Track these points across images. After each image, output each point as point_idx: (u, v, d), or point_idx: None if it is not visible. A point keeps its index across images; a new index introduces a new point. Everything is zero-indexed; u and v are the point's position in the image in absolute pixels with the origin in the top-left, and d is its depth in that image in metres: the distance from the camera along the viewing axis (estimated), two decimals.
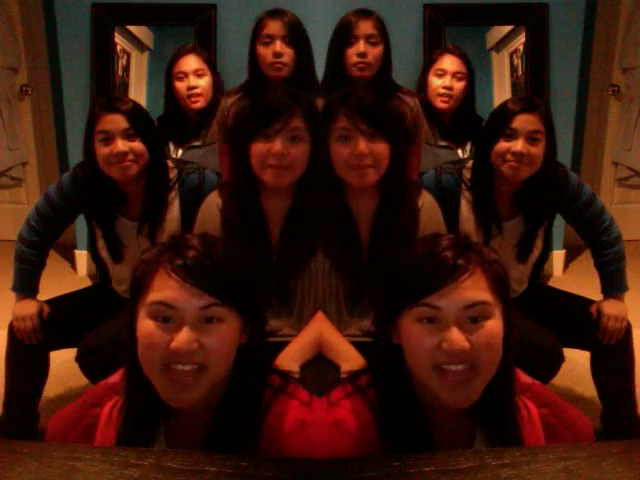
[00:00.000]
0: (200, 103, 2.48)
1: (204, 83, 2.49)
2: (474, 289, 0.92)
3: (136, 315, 0.96)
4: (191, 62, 2.49)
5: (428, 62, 2.58)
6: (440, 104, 2.49)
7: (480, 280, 0.93)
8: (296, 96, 1.59)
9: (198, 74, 2.49)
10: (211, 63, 2.56)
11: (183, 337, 0.91)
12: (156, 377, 0.93)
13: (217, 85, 2.56)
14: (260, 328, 1.05)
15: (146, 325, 0.93)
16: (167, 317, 0.92)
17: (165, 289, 0.93)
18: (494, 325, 0.93)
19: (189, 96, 2.47)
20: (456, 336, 0.90)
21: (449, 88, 2.47)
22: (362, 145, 1.53)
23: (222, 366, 0.95)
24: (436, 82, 2.49)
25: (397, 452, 0.94)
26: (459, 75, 2.50)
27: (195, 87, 2.47)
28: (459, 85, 2.49)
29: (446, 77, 2.48)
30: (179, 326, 0.92)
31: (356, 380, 1.04)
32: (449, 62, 2.50)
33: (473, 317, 0.92)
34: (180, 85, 2.49)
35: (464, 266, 0.93)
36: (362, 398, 1.00)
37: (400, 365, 0.98)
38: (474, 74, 2.59)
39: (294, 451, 0.94)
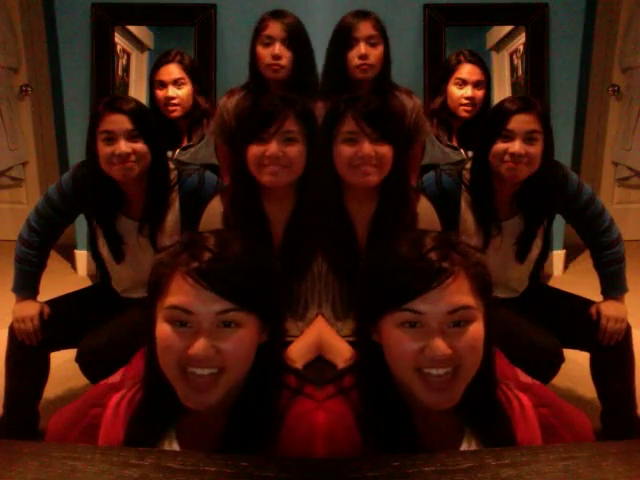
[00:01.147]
0: (177, 112, 2.49)
1: (182, 93, 2.49)
2: (458, 294, 0.91)
3: (154, 316, 0.95)
4: (171, 72, 2.49)
5: (446, 68, 2.55)
6: (463, 113, 2.49)
7: (463, 284, 0.92)
8: (289, 100, 1.61)
9: (178, 84, 2.49)
10: (194, 70, 2.55)
11: (200, 345, 0.90)
12: (174, 379, 0.93)
13: (201, 91, 2.56)
14: (279, 327, 1.04)
15: (164, 329, 0.92)
16: (184, 321, 0.91)
17: (181, 293, 0.91)
18: (477, 328, 0.92)
19: (166, 105, 2.48)
20: (439, 344, 0.89)
21: (471, 98, 2.48)
22: (367, 147, 1.55)
23: (240, 369, 0.95)
24: (457, 92, 2.49)
25: (382, 452, 0.93)
26: (479, 84, 2.50)
27: (173, 97, 2.48)
28: (479, 93, 2.50)
29: (467, 87, 2.48)
30: (196, 331, 0.91)
31: (339, 381, 1.03)
32: (469, 72, 2.49)
33: (456, 321, 0.91)
34: (160, 93, 2.50)
35: (448, 269, 0.91)
36: (344, 400, 0.99)
37: (383, 363, 0.97)
38: (491, 79, 2.60)
39: (318, 453, 0.93)
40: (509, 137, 1.71)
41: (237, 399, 0.97)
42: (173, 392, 0.94)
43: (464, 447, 0.98)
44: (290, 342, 1.60)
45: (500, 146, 1.72)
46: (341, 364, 1.54)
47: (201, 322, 0.91)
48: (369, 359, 1.00)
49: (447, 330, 0.90)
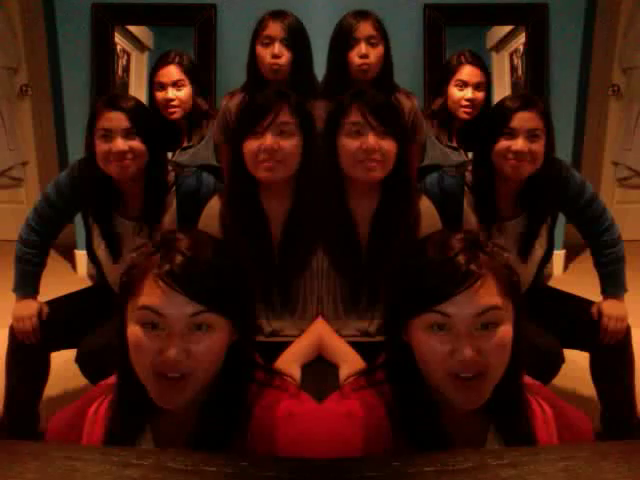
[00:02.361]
0: (177, 114, 2.50)
1: (182, 95, 2.49)
2: (486, 296, 0.91)
3: (125, 317, 0.95)
4: (171, 73, 2.49)
5: (446, 70, 2.55)
6: (463, 115, 2.50)
7: (491, 285, 0.91)
8: (282, 93, 1.62)
9: (177, 86, 2.49)
10: (193, 71, 2.55)
11: (172, 349, 0.90)
12: (146, 379, 0.93)
13: (200, 92, 2.57)
14: (250, 326, 1.05)
15: (135, 331, 0.92)
16: (155, 324, 0.91)
17: (153, 295, 0.91)
18: (505, 331, 0.92)
19: (166, 107, 2.49)
20: (467, 350, 0.89)
21: (471, 100, 2.48)
22: (372, 140, 1.54)
23: (211, 370, 0.95)
24: (458, 94, 2.49)
25: (411, 447, 0.95)
26: (480, 86, 2.50)
27: (172, 99, 2.48)
28: (480, 95, 2.50)
29: (467, 89, 2.48)
30: (168, 334, 0.91)
31: (371, 375, 1.04)
32: (469, 73, 2.49)
33: (484, 324, 0.91)
34: (159, 95, 2.50)
35: (476, 272, 0.91)
36: (376, 392, 1.00)
37: (412, 362, 0.97)
38: (491, 81, 2.60)
39: (283, 442, 0.95)
40: (512, 135, 1.71)
41: (208, 395, 0.97)
42: (146, 392, 0.94)
43: (489, 446, 0.99)
44: (290, 342, 1.60)
45: (503, 144, 1.72)
46: (342, 364, 1.55)
47: (173, 325, 0.91)
48: (398, 358, 1.00)
49: (475, 333, 0.91)
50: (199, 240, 0.99)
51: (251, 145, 1.56)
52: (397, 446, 0.96)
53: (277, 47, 2.26)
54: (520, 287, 0.99)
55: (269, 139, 1.55)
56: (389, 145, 1.56)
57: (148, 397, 0.94)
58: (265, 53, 2.28)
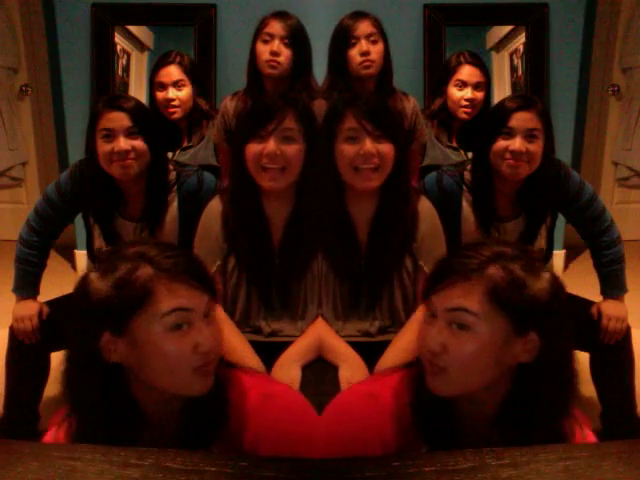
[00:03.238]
0: (177, 114, 2.50)
1: (183, 95, 2.50)
2: (464, 296, 0.94)
3: (132, 329, 0.95)
4: (171, 73, 2.49)
5: (446, 70, 2.56)
6: (463, 115, 2.50)
7: (475, 291, 0.94)
8: (290, 98, 1.61)
9: (178, 86, 2.49)
10: (194, 71, 2.56)
11: (207, 341, 0.96)
12: (184, 379, 0.96)
13: (201, 92, 2.57)
14: None
15: (167, 339, 0.94)
16: (181, 323, 0.95)
17: (179, 297, 0.95)
18: (474, 338, 0.94)
19: (166, 107, 2.49)
20: (433, 333, 0.96)
21: (471, 100, 2.49)
22: (369, 145, 1.54)
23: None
24: (457, 94, 2.49)
25: (428, 441, 1.00)
26: (479, 86, 2.50)
27: (173, 99, 2.48)
28: (479, 95, 2.51)
29: (467, 89, 2.49)
30: (197, 327, 0.96)
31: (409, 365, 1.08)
32: (468, 73, 2.50)
33: (458, 323, 0.95)
34: (160, 95, 2.50)
35: (463, 272, 0.95)
36: (406, 380, 1.04)
37: None
38: (491, 81, 2.60)
39: (261, 423, 0.99)
40: (510, 135, 1.71)
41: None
42: (134, 403, 0.98)
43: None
44: (289, 343, 1.60)
45: (501, 144, 1.72)
46: (342, 364, 1.55)
47: (198, 317, 0.97)
48: None
49: (448, 327, 0.95)
50: (161, 244, 1.05)
51: (254, 148, 1.55)
52: (416, 432, 1.00)
53: (276, 44, 2.27)
54: (524, 299, 0.95)
55: (272, 144, 1.53)
56: (387, 148, 1.55)
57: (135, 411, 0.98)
58: (264, 49, 2.29)
